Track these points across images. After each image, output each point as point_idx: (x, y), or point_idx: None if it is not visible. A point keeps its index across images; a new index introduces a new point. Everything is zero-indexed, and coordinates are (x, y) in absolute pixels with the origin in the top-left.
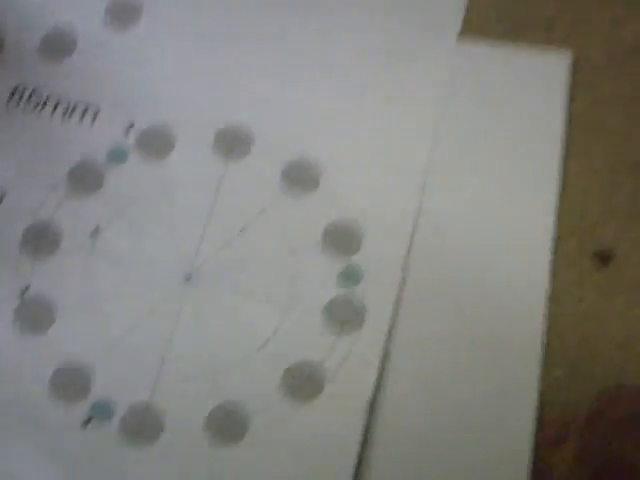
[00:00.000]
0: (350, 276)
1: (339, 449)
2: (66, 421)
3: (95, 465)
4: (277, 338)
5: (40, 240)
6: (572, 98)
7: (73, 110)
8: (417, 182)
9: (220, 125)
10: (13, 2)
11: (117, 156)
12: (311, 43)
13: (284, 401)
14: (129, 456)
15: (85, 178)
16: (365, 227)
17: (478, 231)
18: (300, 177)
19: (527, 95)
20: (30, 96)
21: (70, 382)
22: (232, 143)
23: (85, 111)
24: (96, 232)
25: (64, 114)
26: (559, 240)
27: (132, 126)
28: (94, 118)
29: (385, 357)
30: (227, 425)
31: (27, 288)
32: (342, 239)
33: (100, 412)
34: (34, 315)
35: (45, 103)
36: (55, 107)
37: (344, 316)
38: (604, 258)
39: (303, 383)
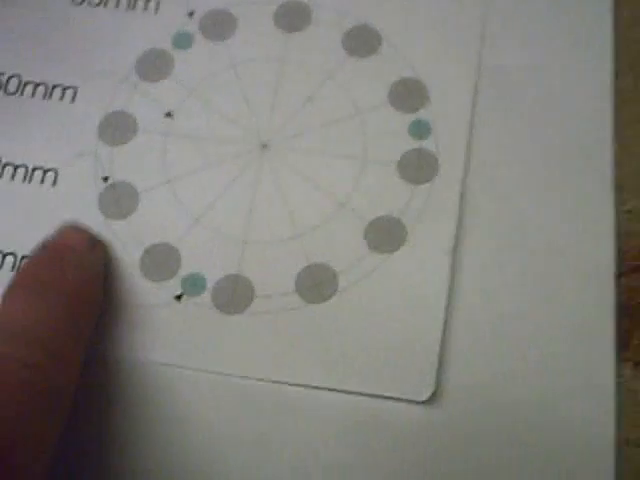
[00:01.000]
0: (419, 129)
1: (428, 293)
2: (159, 298)
3: (190, 334)
4: (356, 193)
5: (116, 129)
6: None
7: (135, 1)
8: (475, 39)
9: (278, 3)
10: None
11: (183, 41)
12: None
13: (370, 255)
14: (223, 323)
15: (154, 65)
16: (429, 84)
17: (539, 71)
18: (361, 42)
19: None
20: None
21: (159, 261)
22: (292, 16)
23: (147, 2)
24: (170, 115)
25: (128, 5)
26: (618, 77)
27: (192, 13)
28: (157, 8)
29: (461, 208)
30: (316, 284)
31: (109, 176)
32: (408, 96)
33: (191, 287)
34: (117, 201)
35: None
36: (118, 0)
37: (418, 168)
38: None
39: (385, 236)
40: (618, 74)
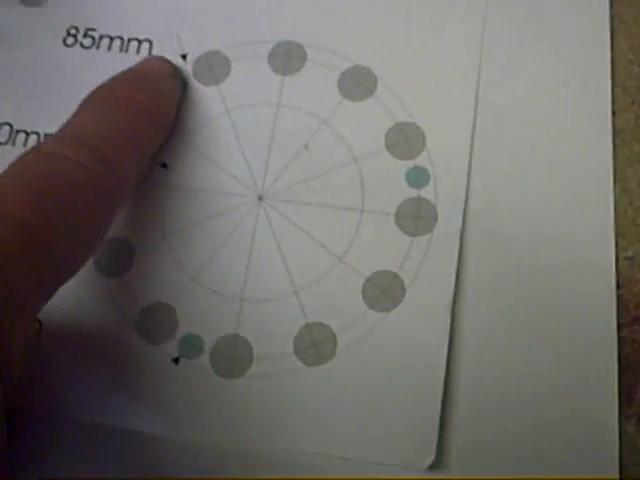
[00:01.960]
0: (417, 177)
1: (428, 352)
2: (156, 361)
3: (189, 401)
4: (354, 247)
5: None
6: None
7: (128, 45)
8: (471, 78)
9: (272, 43)
10: None
11: None
12: None
13: (368, 314)
14: (223, 388)
15: None
16: (426, 128)
17: (536, 114)
18: (357, 84)
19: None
20: (85, 34)
21: (156, 322)
22: (287, 57)
23: (139, 46)
24: (166, 166)
25: (120, 50)
26: (616, 115)
27: (185, 56)
28: (150, 50)
29: (460, 257)
30: (315, 344)
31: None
32: (404, 141)
33: (189, 349)
34: (113, 257)
35: (100, 39)
36: (110, 43)
37: (416, 218)
38: None
39: (383, 294)
40: (616, 112)
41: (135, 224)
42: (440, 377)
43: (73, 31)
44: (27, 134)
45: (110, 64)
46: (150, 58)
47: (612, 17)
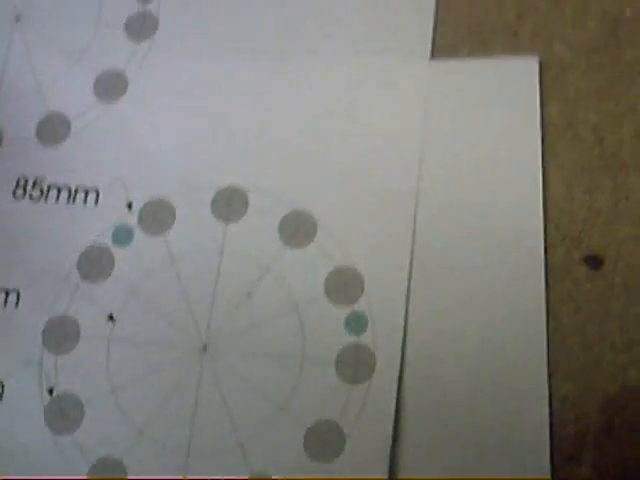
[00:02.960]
0: (356, 323)
1: None
2: None
3: None
4: (295, 397)
5: (60, 336)
6: (545, 101)
7: (75, 195)
8: (408, 220)
9: (214, 190)
10: (7, 94)
11: (122, 236)
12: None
13: (310, 465)
14: None
15: (95, 263)
16: (364, 273)
17: (470, 258)
18: (297, 229)
19: (502, 107)
20: (34, 185)
21: (107, 475)
22: (228, 205)
23: (86, 195)
24: (112, 318)
25: (68, 201)
26: (549, 250)
27: (131, 204)
28: (96, 200)
29: (398, 402)
30: None
31: (53, 387)
32: (344, 286)
33: None
34: (63, 413)
35: (49, 190)
36: (58, 194)
37: (355, 365)
38: (595, 263)
39: (325, 442)
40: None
41: (84, 379)
42: None
43: (22, 182)
44: None
45: (59, 216)
46: None
47: (544, 152)
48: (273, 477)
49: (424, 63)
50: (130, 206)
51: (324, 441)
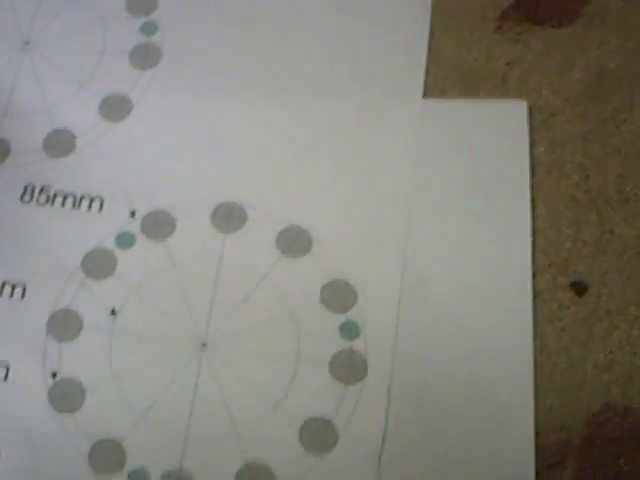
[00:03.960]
0: (349, 330)
1: None
2: None
3: None
4: (290, 396)
5: (63, 326)
6: (533, 143)
7: (80, 202)
8: (400, 239)
9: (214, 203)
10: (15, 111)
11: (125, 241)
12: (286, 123)
13: (305, 456)
14: None
15: (98, 264)
16: (357, 284)
17: (460, 278)
18: (294, 242)
19: (492, 146)
20: (40, 191)
21: (107, 456)
22: (228, 217)
23: (91, 202)
24: (114, 313)
25: (73, 206)
26: (536, 275)
27: (134, 212)
28: (100, 208)
29: (388, 406)
30: None
31: (57, 372)
32: (338, 296)
33: None
34: (66, 395)
35: (55, 197)
36: (64, 200)
37: (348, 369)
38: (580, 289)
39: (318, 438)
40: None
41: (86, 366)
42: None
43: (29, 189)
44: None
45: (65, 220)
46: None
47: (532, 188)
48: (271, 467)
49: (416, 102)
50: (133, 214)
51: (317, 436)
